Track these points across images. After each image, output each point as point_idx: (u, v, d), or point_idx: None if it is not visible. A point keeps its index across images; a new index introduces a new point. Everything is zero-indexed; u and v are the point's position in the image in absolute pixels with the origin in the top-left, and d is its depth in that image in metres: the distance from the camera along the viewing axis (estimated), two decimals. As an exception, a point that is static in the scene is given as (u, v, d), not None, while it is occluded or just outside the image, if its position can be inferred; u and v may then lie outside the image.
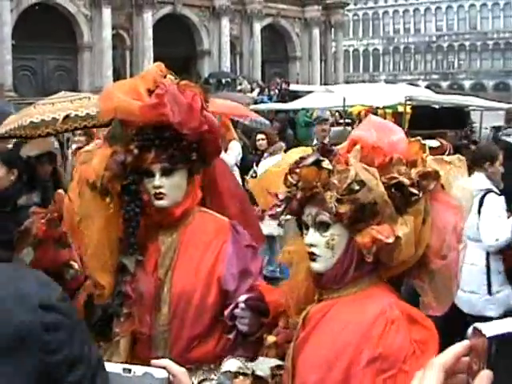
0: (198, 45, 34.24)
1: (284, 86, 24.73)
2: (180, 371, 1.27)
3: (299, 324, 2.05)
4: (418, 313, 1.87)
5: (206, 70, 33.22)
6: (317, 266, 1.96)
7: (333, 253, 1.93)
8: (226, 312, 2.44)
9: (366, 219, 1.84)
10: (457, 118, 14.29)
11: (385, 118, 12.75)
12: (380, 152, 1.88)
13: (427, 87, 31.92)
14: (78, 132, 6.95)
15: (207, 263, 2.54)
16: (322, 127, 9.97)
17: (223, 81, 29.50)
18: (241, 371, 1.98)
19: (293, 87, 24.88)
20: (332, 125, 18.57)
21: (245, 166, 9.42)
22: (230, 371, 1.99)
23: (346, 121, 16.90)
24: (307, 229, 1.98)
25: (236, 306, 2.42)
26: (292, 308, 2.15)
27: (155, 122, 2.43)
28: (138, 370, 1.24)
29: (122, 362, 2.44)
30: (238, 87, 27.56)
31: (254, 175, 8.89)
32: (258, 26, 35.28)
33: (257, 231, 2.95)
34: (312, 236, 1.95)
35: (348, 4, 43.63)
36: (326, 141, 9.71)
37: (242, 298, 2.42)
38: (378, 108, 15.53)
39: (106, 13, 29.50)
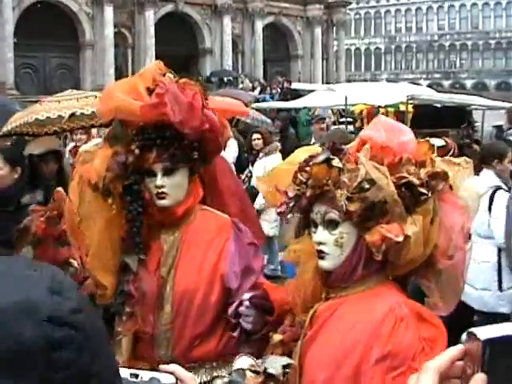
0: (199, 43, 34.22)
1: (286, 84, 24.71)
2: (188, 376, 1.26)
3: (306, 322, 2.05)
4: (426, 311, 1.88)
5: (207, 68, 33.21)
6: (325, 263, 1.96)
7: (341, 251, 1.94)
8: (230, 310, 2.44)
9: (376, 218, 1.85)
10: (459, 117, 14.28)
11: (386, 117, 12.75)
12: (389, 152, 1.90)
13: (429, 86, 31.88)
14: (79, 130, 6.96)
15: (210, 261, 2.53)
16: (320, 126, 10.05)
17: (225, 79, 29.49)
18: (253, 369, 1.98)
19: (294, 86, 24.86)
20: (334, 123, 18.61)
21: (240, 166, 9.42)
22: (242, 369, 1.99)
23: (347, 120, 16.89)
24: (316, 227, 1.99)
25: (240, 304, 2.42)
26: (299, 306, 2.16)
27: (156, 121, 2.43)
28: (145, 375, 1.23)
29: (124, 362, 2.45)
30: (240, 86, 27.55)
31: (249, 175, 8.89)
32: (259, 25, 35.25)
33: (257, 229, 2.95)
34: (321, 234, 1.96)
35: (350, 3, 43.57)
36: (312, 141, 9.73)
37: (247, 295, 2.42)
38: (379, 107, 15.52)
39: (108, 11, 29.50)
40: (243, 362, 2.04)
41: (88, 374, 0.88)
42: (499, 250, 5.28)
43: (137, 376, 1.22)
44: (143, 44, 30.89)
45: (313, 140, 9.62)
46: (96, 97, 4.79)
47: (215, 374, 2.55)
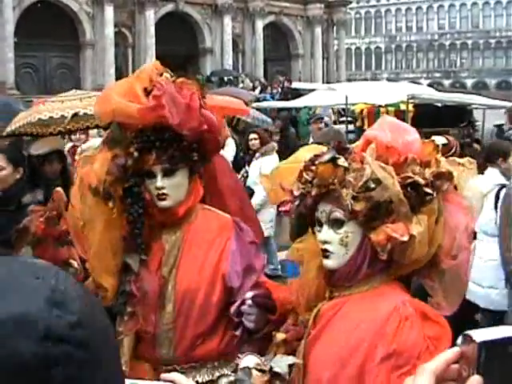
0: (200, 43, 34.21)
1: (286, 84, 24.72)
2: None
3: (310, 321, 2.06)
4: (431, 310, 1.88)
5: (208, 68, 33.20)
6: (330, 262, 1.97)
7: (346, 250, 1.94)
8: (233, 308, 2.44)
9: (381, 217, 1.85)
10: (459, 116, 14.28)
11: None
12: (394, 152, 1.90)
13: (429, 85, 31.87)
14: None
15: (211, 261, 2.53)
16: (318, 125, 10.07)
17: (225, 79, 29.48)
18: (258, 367, 1.98)
19: (295, 85, 24.86)
20: (335, 123, 18.62)
21: (236, 165, 9.42)
22: (248, 367, 1.99)
23: (347, 119, 16.89)
24: (320, 226, 1.99)
25: (243, 303, 2.42)
26: (302, 305, 2.16)
27: (154, 123, 2.42)
28: None
29: (126, 362, 2.45)
30: (240, 85, 27.54)
31: (245, 175, 8.88)
32: (260, 24, 35.24)
33: (256, 227, 2.95)
34: (326, 233, 1.97)
35: (350, 2, 43.55)
36: (310, 141, 9.74)
37: (249, 294, 2.42)
38: (380, 106, 15.51)
39: (109, 10, 29.49)
40: (249, 360, 2.04)
41: None
42: None
43: None
44: (143, 43, 30.87)
45: (311, 139, 9.63)
46: None
47: (217, 373, 2.55)
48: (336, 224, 1.95)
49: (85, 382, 0.81)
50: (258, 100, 20.59)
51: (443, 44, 71.54)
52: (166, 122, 2.40)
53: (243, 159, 9.97)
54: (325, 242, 1.96)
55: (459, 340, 1.01)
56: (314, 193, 1.94)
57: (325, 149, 2.03)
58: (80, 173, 2.53)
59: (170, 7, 32.35)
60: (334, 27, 40.12)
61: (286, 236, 2.28)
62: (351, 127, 16.67)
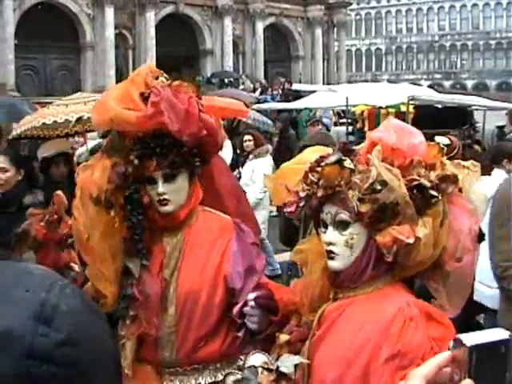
0: (200, 44, 34.23)
1: (287, 85, 24.73)
2: None
3: (314, 322, 2.06)
4: (435, 310, 1.89)
5: (208, 69, 33.22)
6: (335, 264, 1.97)
7: (351, 251, 1.95)
8: (235, 310, 2.44)
9: (387, 219, 1.86)
10: (460, 117, 14.28)
11: (387, 118, 12.76)
12: (400, 154, 1.91)
13: (430, 87, 31.86)
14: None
15: (213, 262, 2.53)
16: (315, 128, 10.09)
17: (226, 80, 29.50)
18: (266, 366, 1.98)
19: (295, 87, 24.88)
20: (335, 124, 18.62)
21: (231, 167, 9.41)
22: (254, 366, 1.99)
23: (348, 120, 16.90)
24: (325, 227, 1.99)
25: (245, 304, 2.42)
26: (306, 306, 2.16)
27: (153, 129, 2.40)
28: None
29: (128, 365, 2.44)
30: (241, 86, 27.55)
31: (237, 176, 8.89)
32: (260, 26, 35.26)
33: (254, 227, 2.95)
34: (331, 234, 1.97)
35: (351, 3, 43.59)
36: (301, 144, 9.75)
37: (252, 295, 2.42)
38: (380, 108, 15.52)
39: (109, 12, 29.50)
40: (256, 358, 2.04)
41: None
42: None
43: None
44: (144, 45, 30.89)
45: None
46: None
47: (219, 374, 2.54)
48: (341, 225, 1.95)
49: None
50: (258, 101, 20.60)
51: (443, 45, 71.57)
52: (165, 129, 2.39)
53: (236, 160, 9.97)
54: (330, 244, 1.97)
55: (450, 344, 1.02)
56: (319, 194, 1.95)
57: (330, 150, 2.03)
58: (80, 183, 2.50)
59: (170, 9, 32.37)
60: (335, 29, 40.14)
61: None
62: (349, 128, 16.67)
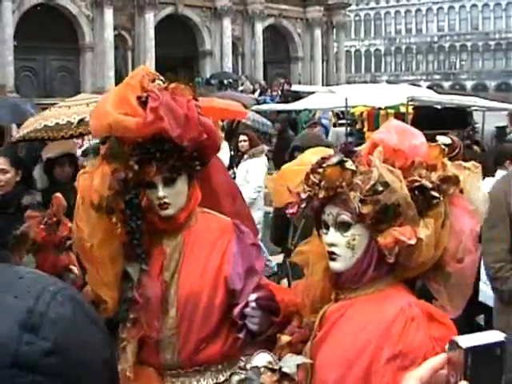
0: (199, 45, 34.25)
1: (286, 86, 24.74)
2: None
3: (316, 324, 2.06)
4: (437, 311, 1.89)
5: (207, 70, 33.24)
6: (336, 265, 1.97)
7: (353, 253, 1.95)
8: (236, 311, 2.44)
9: (389, 220, 1.86)
10: (459, 118, 14.27)
11: (387, 119, 12.76)
12: (401, 155, 1.91)
13: (429, 87, 31.89)
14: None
15: (213, 264, 2.53)
16: (313, 130, 10.13)
17: (225, 81, 29.52)
18: (270, 366, 1.98)
19: (295, 88, 24.90)
20: (334, 125, 18.63)
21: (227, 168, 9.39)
22: (257, 367, 1.99)
23: (347, 121, 16.89)
24: (327, 228, 2.00)
25: (246, 305, 2.42)
26: (307, 307, 2.17)
27: (153, 134, 2.38)
28: None
29: (130, 367, 2.43)
30: (240, 87, 27.56)
31: (232, 176, 8.89)
32: (259, 27, 35.28)
33: (252, 226, 2.94)
34: (332, 235, 1.97)
35: (350, 4, 43.63)
36: (292, 144, 9.75)
37: (253, 297, 2.42)
38: (380, 108, 15.52)
39: (108, 13, 29.52)
40: (261, 358, 2.04)
41: None
42: None
43: None
44: (143, 46, 30.90)
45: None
46: None
47: (221, 376, 2.55)
48: (343, 227, 1.95)
49: None
50: (257, 102, 20.61)
51: (443, 46, 71.60)
52: (165, 134, 2.37)
53: (231, 161, 9.98)
54: (331, 245, 1.97)
55: (446, 346, 1.02)
56: (321, 195, 1.95)
57: (331, 151, 2.03)
58: (80, 191, 2.48)
59: (169, 10, 32.40)
60: (334, 30, 40.18)
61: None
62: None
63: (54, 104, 6.10)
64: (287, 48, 38.76)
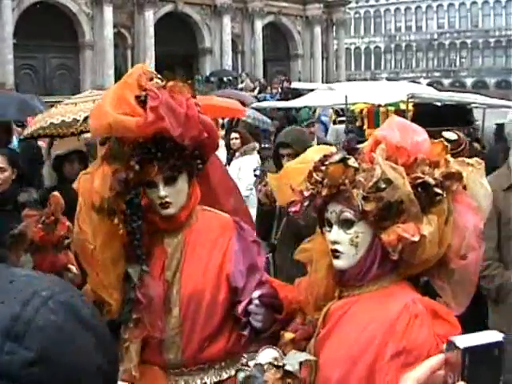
0: (199, 43, 34.22)
1: (286, 84, 24.71)
2: None
3: (319, 321, 2.06)
4: (441, 308, 1.89)
5: (207, 68, 33.21)
6: (340, 263, 1.97)
7: (356, 250, 1.95)
8: (240, 308, 2.43)
9: (392, 217, 1.86)
10: (459, 115, 14.25)
11: (387, 116, 12.75)
12: (404, 152, 1.91)
13: (429, 85, 31.85)
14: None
15: (215, 262, 2.53)
16: (310, 130, 10.14)
17: (225, 79, 29.49)
18: (274, 363, 1.98)
19: (295, 85, 24.85)
20: (334, 122, 18.61)
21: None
22: (261, 364, 1.99)
23: (347, 118, 16.87)
24: (330, 226, 2.00)
25: (250, 302, 2.41)
26: (310, 305, 2.17)
27: (154, 134, 2.37)
28: None
29: (135, 366, 2.43)
30: (240, 85, 27.53)
31: None
32: (259, 24, 35.26)
33: (250, 224, 2.94)
34: (336, 233, 1.97)
35: (349, 2, 43.58)
36: (277, 141, 9.74)
37: (256, 294, 2.41)
38: (380, 106, 15.50)
39: (108, 11, 29.49)
40: (266, 355, 2.05)
41: None
42: None
43: None
44: (143, 44, 30.87)
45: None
46: None
47: (224, 373, 2.56)
48: (346, 224, 1.95)
49: None
50: (258, 100, 20.59)
51: (442, 43, 71.52)
52: (166, 133, 2.36)
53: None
54: (335, 243, 1.97)
55: (444, 346, 1.02)
56: (324, 193, 1.95)
57: (334, 149, 2.03)
58: (81, 193, 2.46)
59: (169, 8, 32.36)
60: (334, 27, 40.16)
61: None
62: (340, 126, 16.66)
63: (54, 102, 6.10)
64: (287, 45, 38.74)
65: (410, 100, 13.77)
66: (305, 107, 17.97)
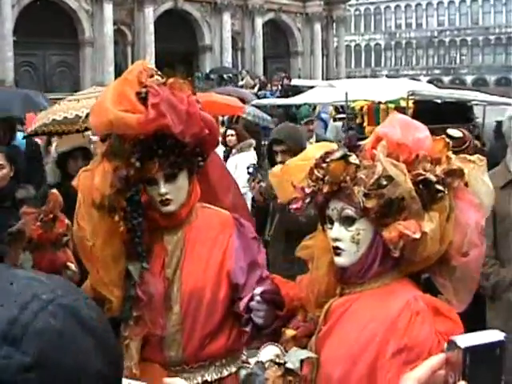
0: (199, 40, 34.19)
1: (286, 81, 24.69)
2: None
3: (321, 318, 2.06)
4: (443, 305, 1.89)
5: (207, 65, 33.19)
6: (341, 260, 1.97)
7: (358, 247, 1.95)
8: (242, 304, 2.43)
9: (393, 214, 1.85)
10: (459, 112, 14.24)
11: (387, 113, 12.73)
12: (405, 149, 1.90)
13: (429, 82, 31.84)
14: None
15: (216, 259, 2.52)
16: (309, 127, 10.15)
17: (225, 76, 29.45)
18: (276, 360, 1.98)
19: (295, 82, 24.82)
20: (334, 120, 18.60)
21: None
22: (262, 362, 1.98)
23: (342, 116, 16.87)
24: (331, 223, 1.99)
25: (251, 299, 2.41)
26: (312, 302, 2.16)
27: (155, 131, 2.36)
28: None
29: (135, 364, 2.43)
30: (240, 82, 27.50)
31: None
32: (259, 22, 35.24)
33: (249, 220, 2.94)
34: (337, 230, 1.97)
35: (350, -1, 43.59)
36: (270, 137, 9.73)
37: (258, 290, 2.41)
38: (380, 103, 15.48)
39: (108, 8, 29.46)
40: (267, 352, 2.05)
41: None
42: None
43: None
44: (143, 41, 30.86)
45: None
46: None
47: (225, 370, 2.56)
48: (347, 221, 1.95)
49: None
50: (258, 97, 20.56)
51: (443, 41, 71.47)
52: (167, 130, 2.35)
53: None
54: (336, 240, 1.97)
55: (444, 346, 1.01)
56: (325, 190, 1.94)
57: (335, 146, 2.03)
58: (81, 191, 2.45)
59: (169, 5, 32.34)
60: (334, 24, 40.13)
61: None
62: (339, 123, 16.66)
63: (54, 99, 6.11)
64: (287, 43, 38.71)
65: (410, 97, 13.75)
66: (305, 104, 17.98)
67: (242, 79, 28.17)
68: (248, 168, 5.93)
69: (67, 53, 30.01)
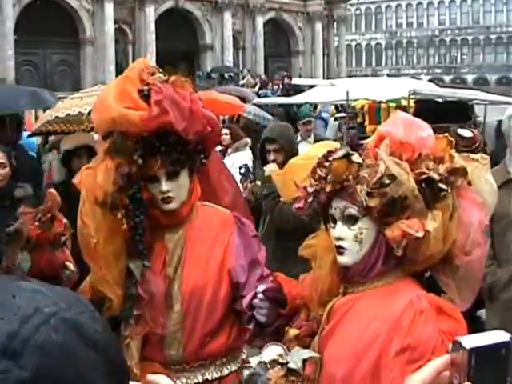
0: (200, 39, 34.21)
1: (287, 80, 24.68)
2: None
3: (324, 317, 2.06)
4: (446, 304, 1.88)
5: (208, 64, 33.20)
6: (344, 259, 1.96)
7: (361, 246, 1.94)
8: (245, 302, 2.42)
9: (396, 213, 1.85)
10: (461, 111, 14.23)
11: (388, 112, 12.74)
12: (408, 148, 1.90)
13: (430, 81, 31.82)
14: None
15: (216, 258, 2.52)
16: (307, 127, 10.17)
17: (226, 75, 29.45)
18: (279, 360, 1.97)
19: (296, 81, 24.81)
20: (335, 119, 18.59)
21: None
22: (264, 362, 1.98)
23: (348, 115, 16.84)
24: (334, 222, 1.99)
25: (254, 297, 2.40)
26: (315, 301, 2.16)
27: (157, 128, 2.36)
28: None
29: (136, 364, 2.42)
30: (241, 81, 27.50)
31: None
32: (260, 21, 35.25)
33: (248, 217, 2.93)
34: (340, 229, 1.96)
35: (351, -2, 43.60)
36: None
37: (261, 288, 2.40)
38: (381, 102, 15.47)
39: (109, 7, 29.49)
40: (270, 352, 2.04)
41: None
42: None
43: None
44: (144, 40, 30.87)
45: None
46: None
47: (225, 369, 2.56)
48: (350, 220, 1.94)
49: None
50: (258, 96, 20.56)
51: (444, 40, 71.45)
52: (170, 127, 2.35)
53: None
54: (339, 239, 1.96)
55: (449, 347, 1.00)
56: (328, 189, 1.94)
57: (338, 145, 2.02)
58: (84, 188, 2.43)
59: (170, 4, 32.37)
60: (335, 23, 40.15)
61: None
62: (336, 122, 16.65)
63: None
64: (288, 42, 38.73)
65: (411, 96, 13.74)
66: (306, 103, 17.96)
67: (243, 78, 28.16)
68: (240, 168, 5.95)
69: (68, 52, 30.04)
